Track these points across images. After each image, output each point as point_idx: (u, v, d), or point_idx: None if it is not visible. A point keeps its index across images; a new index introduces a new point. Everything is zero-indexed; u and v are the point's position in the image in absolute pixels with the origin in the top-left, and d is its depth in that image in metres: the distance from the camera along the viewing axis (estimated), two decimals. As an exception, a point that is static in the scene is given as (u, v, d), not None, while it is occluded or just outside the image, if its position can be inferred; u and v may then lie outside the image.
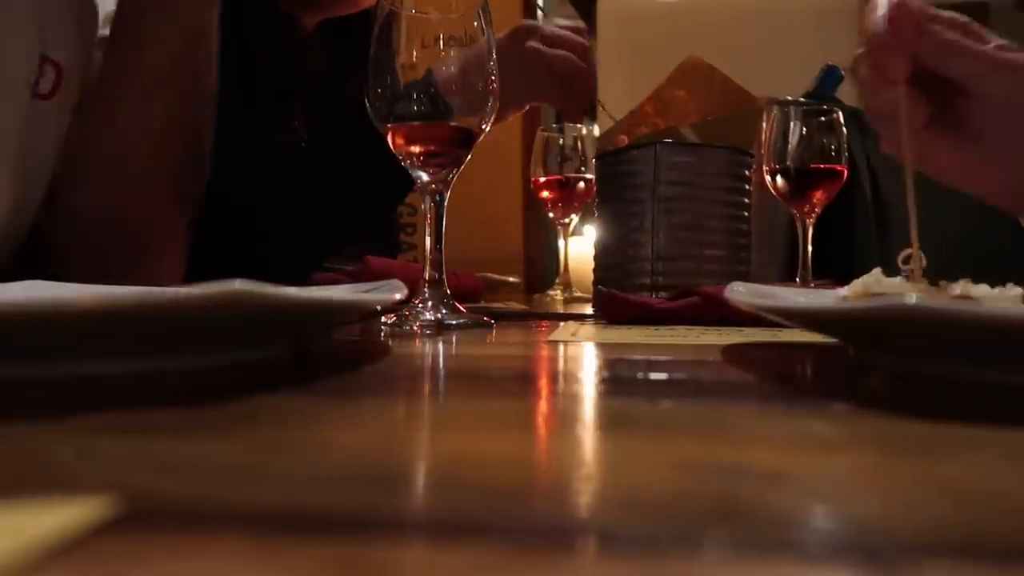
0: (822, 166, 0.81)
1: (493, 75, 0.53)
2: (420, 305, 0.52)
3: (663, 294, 0.60)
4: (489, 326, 0.52)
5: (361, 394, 0.27)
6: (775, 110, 0.83)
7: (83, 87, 0.63)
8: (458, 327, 0.51)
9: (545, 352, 0.41)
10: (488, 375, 0.33)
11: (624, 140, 0.91)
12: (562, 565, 0.12)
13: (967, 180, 0.57)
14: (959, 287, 0.33)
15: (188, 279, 0.66)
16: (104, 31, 0.65)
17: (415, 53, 0.52)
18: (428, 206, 0.54)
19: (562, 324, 0.58)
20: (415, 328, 0.50)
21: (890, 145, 0.54)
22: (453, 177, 0.54)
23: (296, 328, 0.37)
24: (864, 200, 0.91)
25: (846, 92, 1.07)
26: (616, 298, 0.58)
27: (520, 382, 0.31)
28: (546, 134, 1.22)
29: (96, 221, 0.61)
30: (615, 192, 0.64)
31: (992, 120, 0.52)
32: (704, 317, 0.54)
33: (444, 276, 0.53)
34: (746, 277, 0.62)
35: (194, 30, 0.60)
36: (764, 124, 0.83)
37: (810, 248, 0.81)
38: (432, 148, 0.53)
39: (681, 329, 0.51)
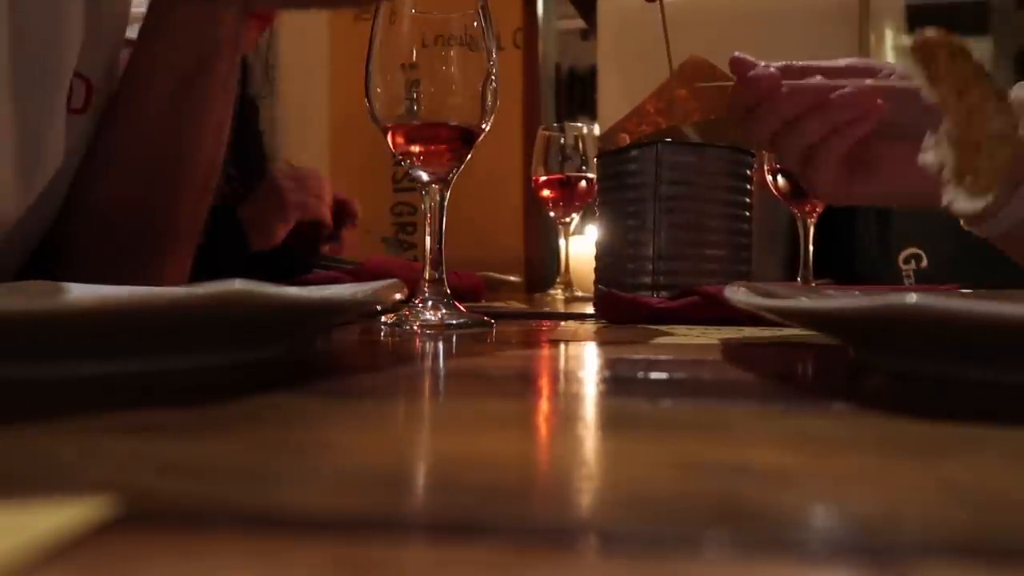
0: (823, 166, 0.81)
1: (493, 74, 0.53)
2: (420, 305, 0.52)
3: (664, 293, 0.60)
4: (489, 326, 0.52)
5: (361, 394, 0.27)
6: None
7: (110, 98, 0.63)
8: (458, 327, 0.51)
9: (546, 352, 0.41)
10: (488, 375, 0.33)
11: (625, 139, 0.91)
12: (562, 565, 0.12)
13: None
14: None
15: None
16: (131, 33, 0.66)
17: (415, 53, 0.52)
18: (428, 205, 0.54)
19: (563, 323, 0.58)
20: (415, 328, 0.50)
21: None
22: (453, 177, 0.54)
23: (296, 328, 0.37)
24: (865, 200, 0.91)
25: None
26: (617, 297, 0.58)
27: (520, 382, 0.31)
28: (547, 133, 1.22)
29: (114, 218, 0.62)
30: (616, 191, 0.64)
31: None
32: (705, 317, 0.54)
33: (444, 275, 0.53)
34: (747, 277, 0.62)
35: (218, 32, 0.61)
36: (765, 123, 0.83)
37: (811, 248, 0.81)
38: (432, 148, 0.53)
39: (682, 329, 0.51)
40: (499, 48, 0.55)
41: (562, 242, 1.20)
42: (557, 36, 2.21)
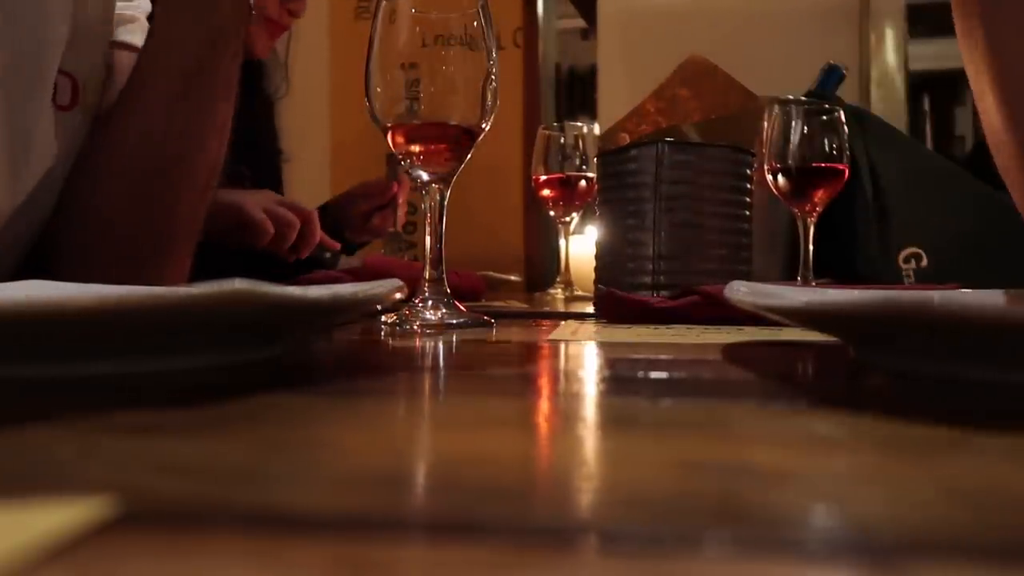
0: (823, 165, 0.81)
1: (493, 74, 0.53)
2: (420, 304, 0.52)
3: (664, 293, 0.60)
4: (490, 325, 0.52)
5: (361, 394, 0.27)
6: (776, 109, 0.83)
7: (100, 97, 0.64)
8: (459, 326, 0.51)
9: (546, 351, 0.41)
10: (488, 374, 0.33)
11: (626, 138, 0.91)
12: (563, 564, 0.12)
13: None
14: None
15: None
16: (122, 35, 0.66)
17: (415, 53, 0.52)
18: (429, 205, 0.54)
19: (563, 323, 0.58)
20: (415, 327, 0.50)
21: None
22: (453, 176, 0.54)
23: (296, 328, 0.37)
24: (865, 199, 0.91)
25: (847, 91, 1.07)
26: (617, 297, 0.58)
27: (520, 381, 0.31)
28: (547, 132, 1.22)
29: (117, 217, 0.62)
30: (616, 191, 0.64)
31: None
32: (705, 316, 0.54)
33: (444, 275, 0.53)
34: (747, 276, 0.62)
35: (219, 33, 0.62)
36: (765, 123, 0.83)
37: (811, 247, 0.81)
38: (432, 147, 0.53)
39: (682, 328, 0.51)
40: (499, 48, 0.55)
41: (562, 241, 1.20)
42: (557, 36, 2.21)
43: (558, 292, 1.15)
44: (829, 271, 0.85)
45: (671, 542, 0.12)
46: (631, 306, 0.57)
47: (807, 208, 0.82)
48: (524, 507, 0.14)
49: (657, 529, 0.13)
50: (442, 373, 0.34)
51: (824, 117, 0.82)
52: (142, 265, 0.63)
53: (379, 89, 0.53)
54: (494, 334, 0.49)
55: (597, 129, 1.26)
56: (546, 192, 1.20)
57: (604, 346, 0.42)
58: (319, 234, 1.02)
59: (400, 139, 0.53)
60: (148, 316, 0.26)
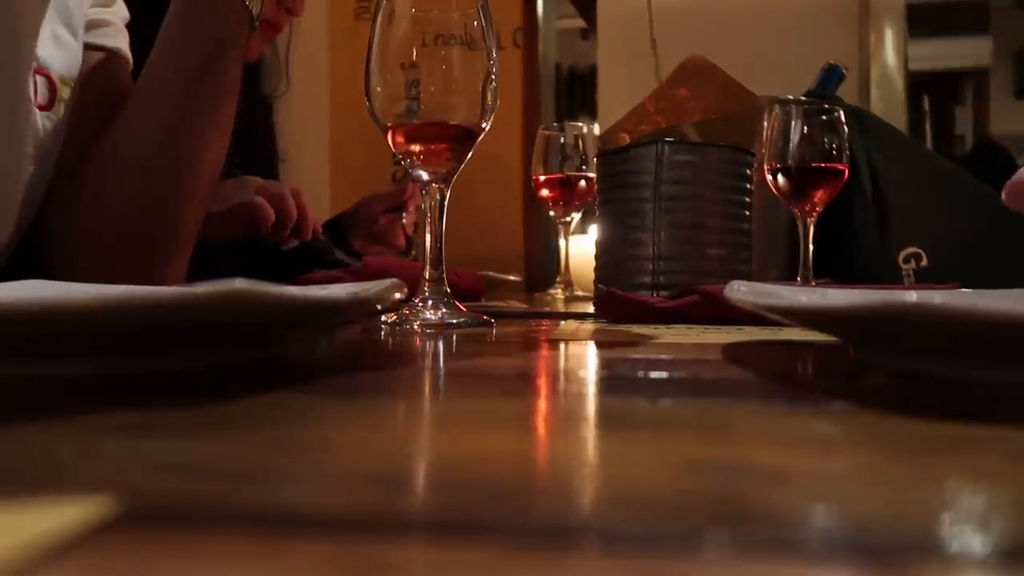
0: (823, 165, 0.81)
1: (493, 74, 0.53)
2: (420, 304, 0.52)
3: (664, 293, 0.59)
4: (489, 325, 0.52)
5: (361, 394, 0.27)
6: (776, 109, 0.83)
7: (73, 99, 0.65)
8: (458, 326, 0.51)
9: (546, 351, 0.41)
10: (489, 374, 0.33)
11: (626, 138, 0.91)
12: (563, 564, 0.12)
13: None
14: None
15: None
16: (103, 40, 0.67)
17: (415, 52, 0.52)
18: (429, 205, 0.54)
19: (563, 323, 0.58)
20: (415, 327, 0.50)
21: None
22: (453, 176, 0.54)
23: (296, 328, 0.37)
24: (865, 199, 0.91)
25: (847, 91, 1.07)
26: (617, 297, 0.58)
27: (521, 381, 0.31)
28: (547, 132, 1.22)
29: (122, 217, 0.63)
30: (616, 191, 0.64)
31: None
32: (705, 316, 0.54)
33: (444, 275, 0.53)
34: (747, 276, 0.62)
35: (225, 36, 0.64)
36: (765, 123, 0.83)
37: (811, 247, 0.81)
38: (432, 147, 0.53)
39: (682, 328, 0.51)
40: (499, 47, 0.55)
41: (562, 241, 1.20)
42: (557, 35, 2.21)
43: (558, 292, 1.15)
44: (829, 271, 0.85)
45: (671, 542, 0.12)
46: (631, 306, 0.57)
47: (807, 208, 0.82)
48: (524, 507, 0.14)
49: (657, 529, 0.13)
50: (442, 373, 0.34)
51: (824, 117, 0.82)
52: (144, 262, 0.63)
53: (379, 89, 0.53)
54: (494, 334, 0.49)
55: (597, 129, 1.26)
56: (546, 192, 1.20)
57: (604, 346, 0.42)
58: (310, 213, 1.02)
59: (400, 139, 0.53)
60: (148, 316, 0.26)
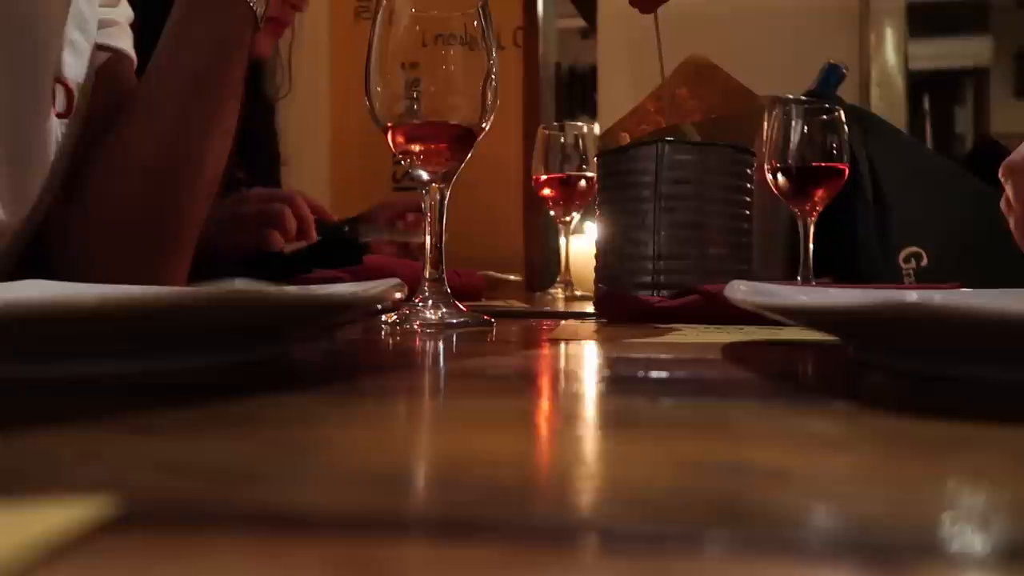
0: (823, 164, 0.81)
1: (493, 73, 0.53)
2: (421, 304, 0.52)
3: (664, 292, 0.59)
4: (490, 325, 0.52)
5: (362, 393, 0.27)
6: (776, 108, 0.83)
7: (87, 104, 0.65)
8: (459, 326, 0.51)
9: (546, 351, 0.41)
10: (489, 374, 0.33)
11: (626, 138, 0.91)
12: (563, 564, 0.12)
13: None
14: None
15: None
16: (108, 40, 0.67)
17: (415, 52, 0.52)
18: (429, 204, 0.54)
19: (563, 322, 0.58)
20: (416, 327, 0.50)
21: None
22: (453, 176, 0.54)
23: (296, 328, 0.37)
24: (865, 199, 0.91)
25: (847, 91, 1.07)
26: (617, 296, 0.58)
27: (521, 381, 0.31)
28: (547, 132, 1.22)
29: (125, 218, 0.64)
30: (617, 190, 0.64)
31: None
32: (705, 315, 0.54)
33: (445, 274, 0.53)
34: (747, 276, 0.62)
35: (229, 38, 0.64)
36: (766, 122, 0.83)
37: (811, 247, 0.81)
38: (432, 147, 0.53)
39: (682, 327, 0.51)
40: (499, 47, 0.55)
41: (562, 241, 1.20)
42: (557, 35, 2.21)
43: (558, 292, 1.15)
44: (829, 271, 0.85)
45: (671, 542, 0.12)
46: (631, 306, 0.57)
47: (807, 207, 0.82)
48: (524, 507, 0.14)
49: (657, 529, 0.13)
50: (442, 373, 0.34)
51: (824, 116, 0.82)
52: (146, 262, 0.64)
53: (379, 89, 0.53)
54: (494, 334, 0.49)
55: (597, 129, 1.26)
56: (546, 192, 1.20)
57: (604, 346, 0.42)
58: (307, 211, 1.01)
59: (400, 139, 0.53)
60: (148, 316, 0.26)
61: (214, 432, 0.21)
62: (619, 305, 0.58)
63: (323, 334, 0.46)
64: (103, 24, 0.68)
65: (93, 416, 0.22)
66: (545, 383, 0.30)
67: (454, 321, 0.51)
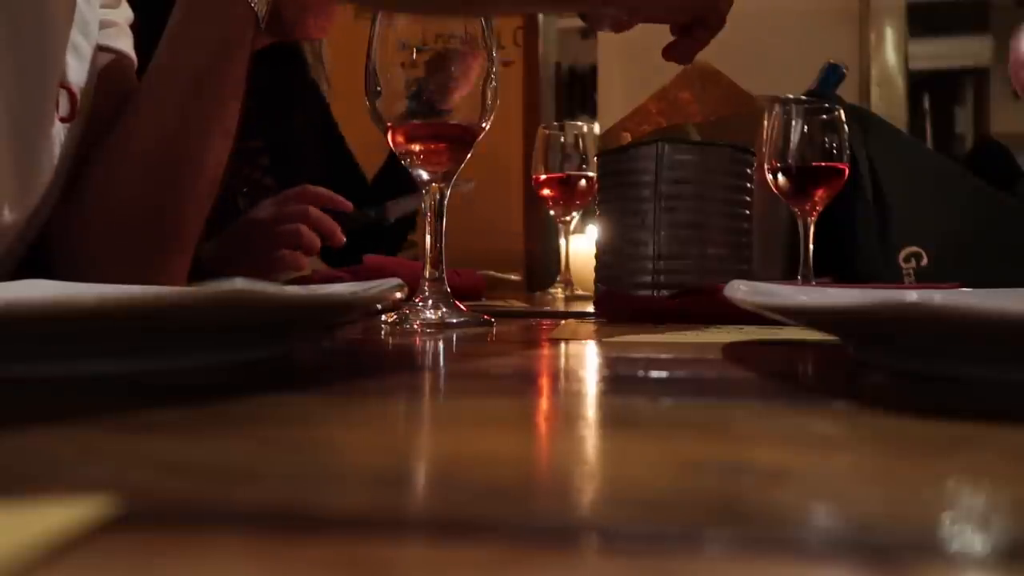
0: (823, 164, 0.81)
1: (493, 73, 0.53)
2: (421, 303, 0.52)
3: (664, 292, 0.60)
4: (490, 324, 0.52)
5: (361, 393, 0.27)
6: (776, 109, 0.83)
7: (90, 107, 0.65)
8: (459, 325, 0.51)
9: (546, 350, 0.41)
10: (488, 374, 0.33)
11: (627, 138, 0.91)
12: (563, 564, 0.12)
13: None
14: None
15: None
16: (107, 40, 0.67)
17: (415, 51, 0.52)
18: (429, 204, 0.54)
19: (563, 322, 0.58)
20: (416, 326, 0.50)
21: None
22: (454, 175, 0.54)
23: (296, 328, 0.37)
24: (865, 198, 0.91)
25: (847, 91, 1.07)
26: (617, 296, 0.58)
27: (521, 380, 0.31)
28: (547, 132, 1.22)
29: (125, 218, 0.64)
30: (617, 190, 0.64)
31: None
32: (705, 315, 0.54)
33: (445, 274, 0.53)
34: (747, 275, 0.62)
35: (231, 33, 0.64)
36: (766, 122, 0.83)
37: (811, 247, 0.81)
38: (432, 146, 0.53)
39: (682, 327, 0.51)
40: (499, 47, 0.55)
41: (562, 241, 1.20)
42: (557, 35, 2.21)
43: (558, 291, 1.15)
44: (829, 271, 0.85)
45: (671, 541, 0.12)
46: (631, 305, 0.57)
47: (807, 207, 0.82)
48: (524, 507, 0.14)
49: (657, 528, 0.13)
50: (442, 372, 0.34)
51: (824, 116, 0.82)
52: (145, 262, 0.64)
53: (379, 88, 0.53)
54: (494, 333, 0.49)
55: (597, 128, 1.26)
56: (546, 191, 1.20)
57: (604, 345, 0.42)
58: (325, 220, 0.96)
59: (400, 138, 0.53)
60: (148, 316, 0.26)
61: (214, 432, 0.21)
62: (619, 305, 0.58)
63: (323, 334, 0.46)
64: (103, 25, 0.68)
65: (93, 416, 0.22)
66: (545, 383, 0.30)
67: (454, 321, 0.51)
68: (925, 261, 0.89)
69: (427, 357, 0.38)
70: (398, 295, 0.39)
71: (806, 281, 0.79)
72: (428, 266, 0.53)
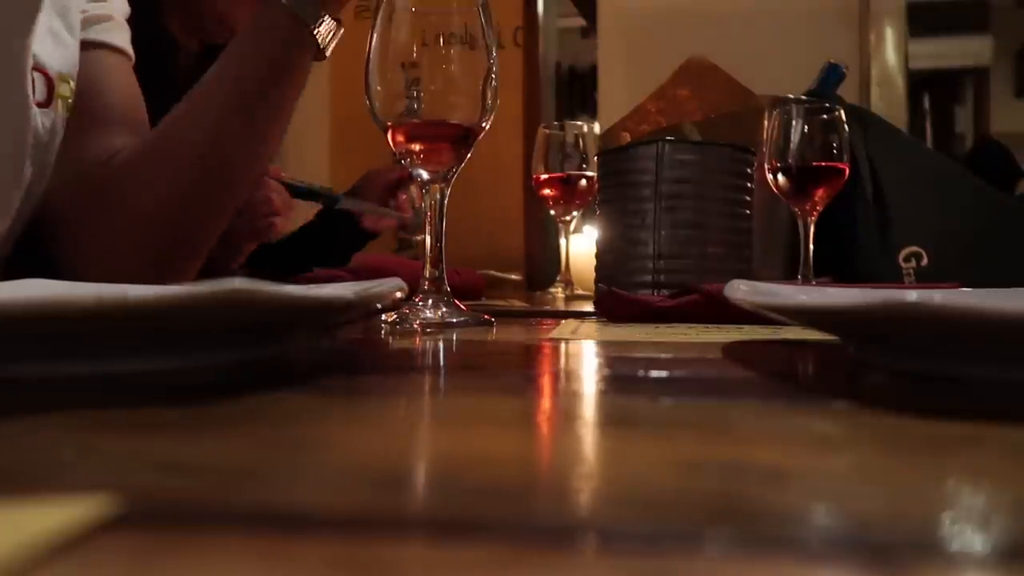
0: (824, 164, 0.81)
1: (493, 73, 0.53)
2: (421, 303, 0.52)
3: (664, 292, 0.60)
4: (490, 324, 0.52)
5: (362, 393, 0.27)
6: (777, 108, 0.83)
7: (75, 99, 0.64)
8: (459, 325, 0.51)
9: (546, 350, 0.41)
10: (489, 373, 0.33)
11: (627, 137, 0.91)
12: (563, 563, 0.12)
13: None
14: None
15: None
16: (102, 36, 0.66)
17: (415, 51, 0.52)
18: (429, 204, 0.54)
19: (563, 322, 0.58)
20: (416, 326, 0.50)
21: None
22: (454, 175, 0.54)
23: (296, 328, 0.37)
24: (865, 198, 0.91)
25: (847, 90, 1.07)
26: (617, 296, 0.58)
27: (521, 380, 0.31)
28: (548, 131, 1.22)
29: (154, 221, 0.63)
30: (617, 190, 0.64)
31: None
32: (705, 315, 0.54)
33: (445, 274, 0.53)
34: (747, 275, 0.62)
35: (283, 58, 0.63)
36: (766, 122, 0.83)
37: (811, 247, 0.81)
38: (432, 146, 0.53)
39: (682, 327, 0.51)
40: (499, 46, 0.55)
41: (563, 240, 1.20)
42: (557, 34, 2.21)
43: (558, 291, 1.15)
44: (829, 271, 0.85)
45: (671, 541, 0.12)
46: (631, 305, 0.57)
47: (807, 207, 0.82)
48: (524, 507, 0.14)
49: (657, 528, 0.13)
50: (442, 372, 0.34)
51: (824, 116, 0.82)
52: (159, 267, 0.63)
53: (379, 88, 0.53)
54: (494, 333, 0.49)
55: (597, 128, 1.26)
56: (546, 191, 1.20)
57: (604, 345, 0.42)
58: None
59: (400, 138, 0.53)
60: (148, 316, 0.26)
61: (214, 432, 0.21)
62: (619, 305, 0.58)
63: (323, 334, 0.46)
64: (98, 19, 0.67)
65: (93, 416, 0.22)
66: (545, 383, 0.30)
67: (454, 320, 0.51)
68: (925, 261, 0.89)
69: (427, 357, 0.38)
70: (398, 295, 0.39)
71: (806, 281, 0.79)
72: (428, 266, 0.53)
